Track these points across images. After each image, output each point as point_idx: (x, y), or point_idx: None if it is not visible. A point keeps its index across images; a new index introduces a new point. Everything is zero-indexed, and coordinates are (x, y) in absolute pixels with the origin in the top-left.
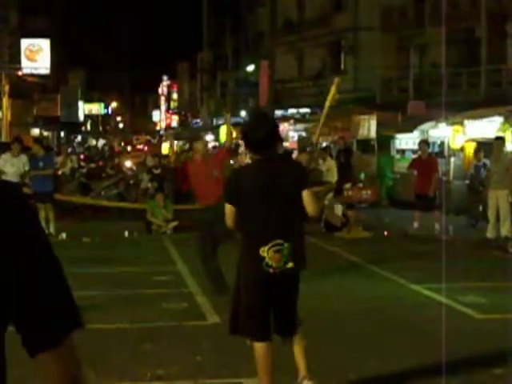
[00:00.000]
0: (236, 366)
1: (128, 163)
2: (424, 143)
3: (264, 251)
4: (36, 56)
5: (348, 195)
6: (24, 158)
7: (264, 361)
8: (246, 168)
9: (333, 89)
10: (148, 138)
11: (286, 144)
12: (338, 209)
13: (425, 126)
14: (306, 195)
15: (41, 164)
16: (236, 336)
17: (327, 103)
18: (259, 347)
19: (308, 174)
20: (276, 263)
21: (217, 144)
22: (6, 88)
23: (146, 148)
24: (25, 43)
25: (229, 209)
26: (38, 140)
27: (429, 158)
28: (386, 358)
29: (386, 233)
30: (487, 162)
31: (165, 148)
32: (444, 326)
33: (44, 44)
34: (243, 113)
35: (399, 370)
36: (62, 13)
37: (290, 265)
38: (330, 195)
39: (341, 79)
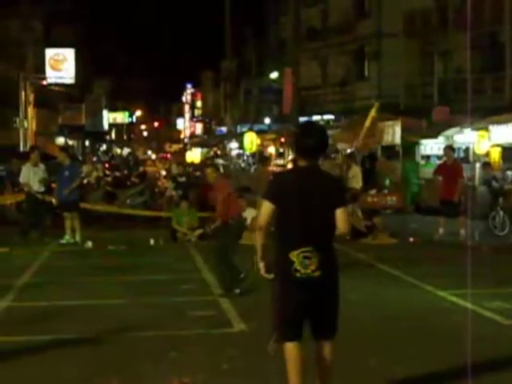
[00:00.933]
0: (263, 373)
1: (163, 172)
2: (449, 149)
3: (294, 256)
4: (61, 65)
5: (373, 201)
6: (42, 166)
7: (294, 363)
8: (286, 173)
9: (372, 111)
10: (180, 146)
11: None
12: (360, 214)
13: (449, 132)
14: (340, 212)
15: (67, 173)
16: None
17: (366, 123)
18: (289, 348)
19: (346, 192)
20: (304, 269)
21: (241, 151)
22: (31, 97)
23: (168, 156)
24: (49, 53)
25: (266, 207)
26: (65, 149)
27: (454, 163)
28: (412, 364)
29: (411, 239)
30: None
31: (189, 156)
32: (470, 332)
33: (68, 53)
34: (267, 120)
35: (425, 377)
36: (87, 22)
37: (318, 273)
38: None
39: (378, 104)
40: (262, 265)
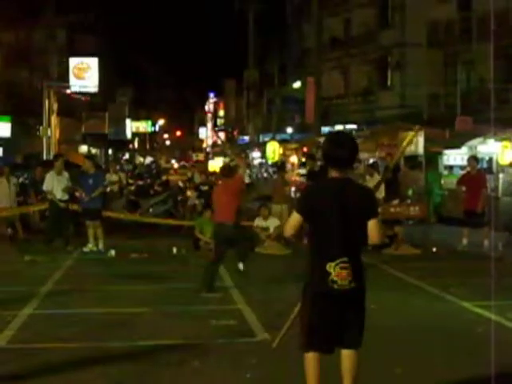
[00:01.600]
0: (286, 383)
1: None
2: (473, 159)
3: (331, 267)
4: (84, 74)
5: (396, 211)
6: (66, 174)
7: (313, 372)
8: (320, 185)
9: (410, 137)
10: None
11: None
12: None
13: (473, 142)
14: (372, 223)
15: (91, 181)
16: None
17: (404, 145)
18: (310, 358)
19: (377, 203)
20: (341, 281)
21: (263, 161)
22: (55, 106)
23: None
24: (73, 61)
25: (294, 218)
26: (90, 157)
27: (478, 173)
28: (436, 376)
29: (434, 249)
30: None
31: (212, 165)
32: (494, 344)
33: (92, 62)
34: (289, 129)
35: None
36: (110, 31)
37: (353, 284)
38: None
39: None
40: None
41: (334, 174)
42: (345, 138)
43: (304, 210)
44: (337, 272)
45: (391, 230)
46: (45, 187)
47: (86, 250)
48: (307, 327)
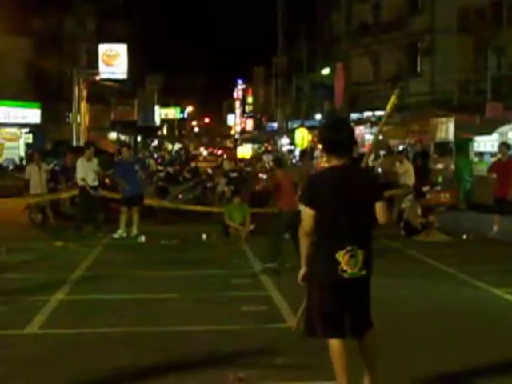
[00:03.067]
0: (317, 369)
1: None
2: (504, 146)
3: (340, 256)
4: (113, 61)
5: (426, 198)
6: (95, 161)
7: (339, 358)
8: (322, 174)
9: (393, 98)
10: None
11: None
12: (419, 211)
13: (504, 129)
14: (379, 206)
15: (135, 167)
16: (312, 337)
17: (388, 110)
18: (334, 345)
19: (382, 185)
20: (351, 269)
21: (292, 147)
22: (84, 93)
23: (219, 152)
24: (102, 48)
25: (307, 213)
26: (128, 145)
27: (509, 160)
28: (467, 362)
29: (464, 236)
30: None
31: (240, 152)
32: None
33: (121, 49)
34: (318, 116)
35: (480, 375)
36: (139, 18)
37: (364, 272)
38: (408, 198)
39: (399, 90)
40: (303, 271)
41: (334, 161)
42: (340, 123)
43: (312, 201)
44: (345, 260)
45: (425, 218)
46: (78, 174)
47: (116, 236)
48: (322, 316)
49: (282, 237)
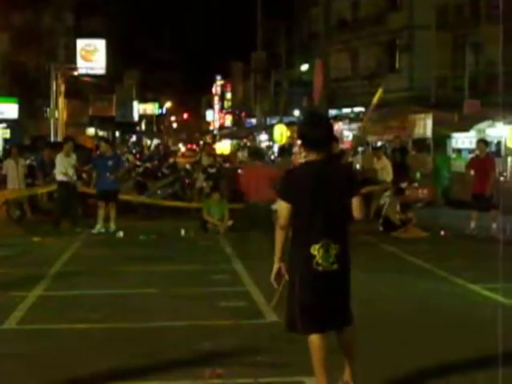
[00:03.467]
0: (297, 365)
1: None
2: (482, 142)
3: (315, 249)
4: (91, 56)
5: (405, 194)
6: (74, 156)
7: (319, 354)
8: (299, 168)
9: (377, 96)
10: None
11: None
12: (397, 208)
13: (481, 125)
14: (355, 201)
15: (110, 163)
16: (293, 333)
17: (374, 102)
18: (314, 340)
19: (358, 180)
20: (325, 262)
21: (270, 143)
22: (62, 88)
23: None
24: (80, 43)
25: (283, 207)
26: (107, 140)
27: (486, 157)
28: (444, 358)
29: (442, 232)
30: None
31: (219, 148)
32: (502, 326)
33: (99, 44)
34: (297, 112)
35: (457, 368)
36: (117, 13)
37: (335, 266)
38: (387, 194)
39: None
40: (277, 266)
41: (312, 156)
42: (320, 118)
43: (288, 195)
44: (321, 254)
45: (404, 214)
46: (59, 169)
47: (94, 231)
48: (301, 310)
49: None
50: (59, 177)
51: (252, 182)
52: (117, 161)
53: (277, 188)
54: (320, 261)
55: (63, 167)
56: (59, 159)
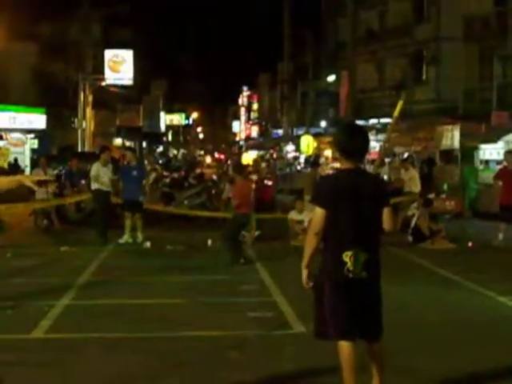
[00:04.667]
0: (323, 374)
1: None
2: (510, 154)
3: (347, 256)
4: (119, 67)
5: (433, 206)
6: (111, 166)
7: (348, 361)
8: (334, 176)
9: (400, 103)
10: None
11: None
12: (426, 217)
13: (509, 137)
14: (386, 212)
15: (135, 173)
16: (321, 340)
17: (396, 115)
18: (343, 346)
19: (389, 192)
20: (356, 269)
21: (297, 154)
22: (90, 98)
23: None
24: (108, 54)
25: (319, 213)
26: (133, 149)
27: None
28: (473, 369)
29: (470, 244)
30: None
31: (245, 158)
32: None
33: (127, 55)
34: (323, 123)
35: (488, 381)
36: (145, 24)
37: (364, 274)
38: (414, 205)
39: (405, 95)
40: (306, 272)
41: (347, 164)
42: (358, 129)
43: (324, 202)
44: (352, 261)
45: (436, 224)
46: (92, 174)
47: (121, 241)
48: (333, 317)
49: (238, 237)
50: (95, 185)
51: (245, 194)
52: (141, 171)
53: (312, 195)
54: (351, 268)
55: (97, 173)
56: (96, 168)
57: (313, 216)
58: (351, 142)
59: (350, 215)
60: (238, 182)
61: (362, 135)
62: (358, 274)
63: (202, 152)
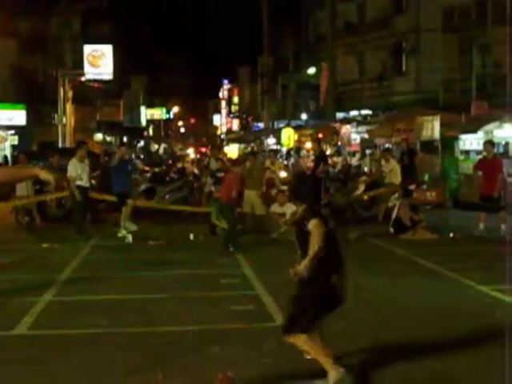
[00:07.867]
0: (305, 367)
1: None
2: (489, 144)
3: (335, 279)
4: (99, 62)
5: (413, 197)
6: (87, 161)
7: (315, 339)
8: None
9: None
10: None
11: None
12: (407, 208)
13: (489, 127)
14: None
15: (129, 167)
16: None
17: None
18: (303, 335)
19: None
20: (341, 289)
21: (278, 147)
22: (70, 94)
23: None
24: (88, 49)
25: (323, 232)
26: (125, 144)
27: (494, 158)
28: (452, 359)
29: (451, 234)
30: None
31: (227, 152)
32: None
33: (106, 50)
34: (304, 116)
35: (468, 371)
36: (124, 18)
37: (345, 292)
38: (395, 196)
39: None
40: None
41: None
42: (308, 176)
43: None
44: (338, 283)
45: (417, 215)
46: (69, 173)
47: (124, 232)
48: (312, 316)
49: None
50: (77, 182)
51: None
52: (134, 165)
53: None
54: (338, 288)
55: (75, 173)
56: (71, 164)
57: (318, 237)
58: (303, 188)
59: (337, 245)
60: (232, 174)
61: (310, 182)
62: (342, 293)
63: (181, 146)
